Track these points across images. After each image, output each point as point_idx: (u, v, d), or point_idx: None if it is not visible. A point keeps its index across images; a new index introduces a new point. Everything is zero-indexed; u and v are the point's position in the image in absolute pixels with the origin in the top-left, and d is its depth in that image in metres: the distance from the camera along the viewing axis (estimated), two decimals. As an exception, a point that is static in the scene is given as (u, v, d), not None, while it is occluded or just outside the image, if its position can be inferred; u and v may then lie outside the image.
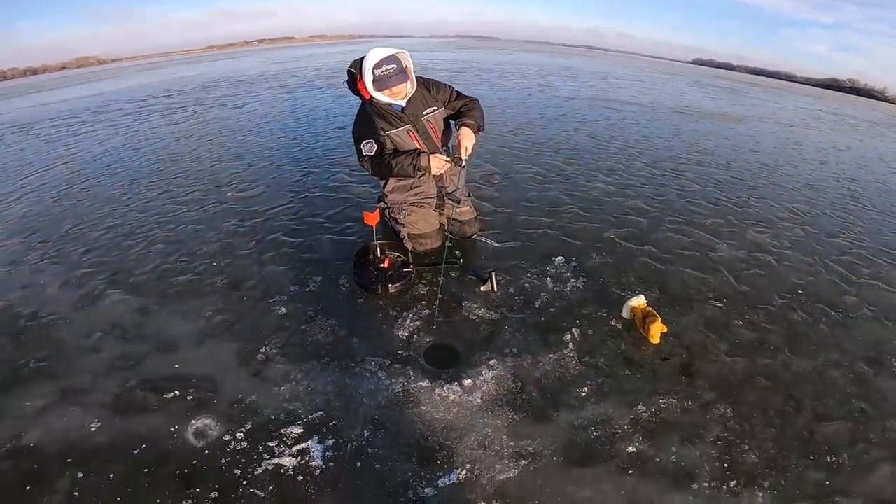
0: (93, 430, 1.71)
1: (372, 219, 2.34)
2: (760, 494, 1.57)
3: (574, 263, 2.71)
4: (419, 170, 2.38)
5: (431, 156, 2.37)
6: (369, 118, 2.44)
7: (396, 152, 2.43)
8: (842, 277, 2.91)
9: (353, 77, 2.43)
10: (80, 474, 1.55)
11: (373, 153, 2.38)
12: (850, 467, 1.68)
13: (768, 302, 2.56)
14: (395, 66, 2.30)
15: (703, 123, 7.63)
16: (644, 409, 1.83)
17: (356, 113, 2.53)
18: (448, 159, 2.42)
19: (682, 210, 3.65)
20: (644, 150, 5.30)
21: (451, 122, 2.61)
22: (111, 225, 3.31)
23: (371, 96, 2.39)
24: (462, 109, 2.54)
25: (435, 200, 2.65)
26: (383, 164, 2.40)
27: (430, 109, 2.50)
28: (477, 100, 2.60)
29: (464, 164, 2.44)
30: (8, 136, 7.00)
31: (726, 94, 13.46)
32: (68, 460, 1.60)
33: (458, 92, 2.61)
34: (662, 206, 3.67)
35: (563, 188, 3.88)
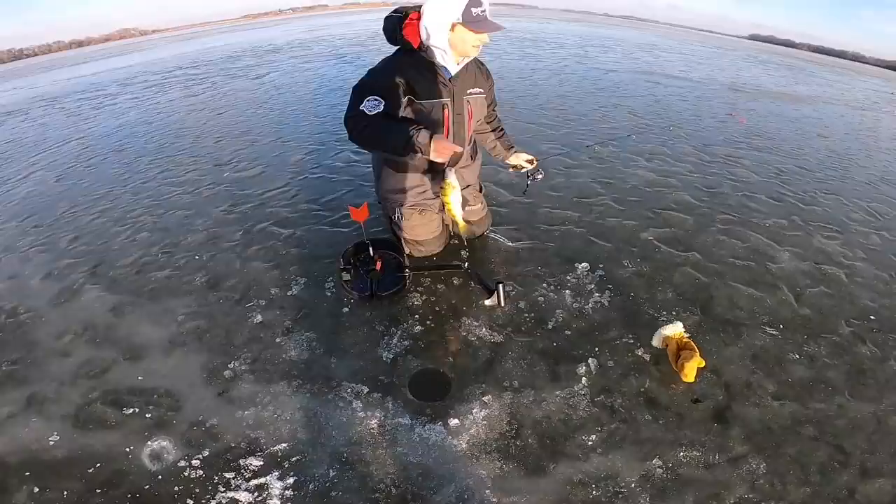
0: (51, 443, 1.63)
1: (359, 215, 1.99)
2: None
3: (601, 272, 2.30)
4: (412, 149, 1.81)
5: (435, 137, 1.81)
6: (401, 74, 1.89)
7: (395, 120, 1.91)
8: (919, 301, 2.38)
9: (401, 20, 1.91)
10: (37, 489, 1.49)
11: (371, 113, 1.85)
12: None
13: (833, 331, 2.12)
14: (488, 10, 1.83)
15: (763, 103, 6.78)
16: (659, 463, 1.55)
17: (383, 61, 1.98)
18: (458, 149, 1.91)
19: (738, 206, 3.11)
20: (694, 132, 4.68)
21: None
22: (103, 208, 3.16)
23: (422, 45, 1.88)
24: (495, 127, 2.35)
25: (440, 200, 2.23)
26: (371, 131, 1.87)
27: (476, 91, 2.07)
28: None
29: (539, 175, 2.34)
30: (35, 109, 7.10)
31: (788, 71, 12.14)
32: (27, 473, 1.53)
33: (494, 97, 2.28)
34: (713, 201, 3.15)
35: (596, 174, 3.41)
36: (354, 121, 1.90)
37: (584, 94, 5.84)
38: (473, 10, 1.79)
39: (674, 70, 8.60)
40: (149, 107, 6.11)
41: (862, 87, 12.10)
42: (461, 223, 2.06)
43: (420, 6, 1.88)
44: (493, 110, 2.31)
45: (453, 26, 1.83)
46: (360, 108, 1.86)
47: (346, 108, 1.95)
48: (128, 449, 1.58)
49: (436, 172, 2.13)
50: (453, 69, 1.96)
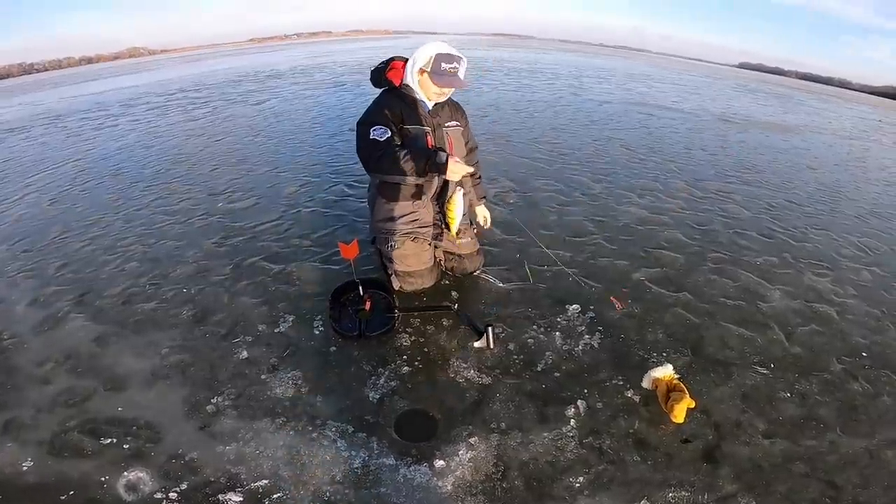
0: (24, 468, 1.61)
1: (349, 252, 2.01)
2: None
3: (591, 314, 2.29)
4: (432, 168, 2.00)
5: (451, 157, 2.00)
6: (389, 108, 2.12)
7: (406, 145, 2.11)
8: (911, 337, 2.37)
9: (384, 67, 2.18)
10: (5, 512, 1.45)
11: (383, 139, 2.05)
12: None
13: (824, 368, 2.12)
14: (459, 68, 2.09)
15: (753, 134, 6.93)
16: None
17: (373, 101, 2.20)
18: (470, 170, 2.12)
19: (729, 244, 3.13)
20: (685, 166, 4.75)
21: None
22: (94, 235, 3.15)
23: (402, 83, 2.13)
24: (474, 172, 2.44)
25: (431, 230, 2.29)
26: (389, 154, 2.02)
27: (453, 123, 2.29)
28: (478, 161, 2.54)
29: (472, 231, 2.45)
30: (37, 127, 7.16)
31: (776, 100, 12.45)
32: (-3, 497, 1.50)
33: (472, 134, 2.46)
34: (705, 239, 3.17)
35: (589, 212, 3.44)
36: (369, 150, 2.07)
37: (578, 127, 5.95)
38: (444, 65, 2.05)
39: (666, 101, 8.80)
40: (149, 129, 6.18)
41: (849, 114, 12.40)
42: (453, 231, 2.20)
43: (401, 57, 2.19)
44: (473, 153, 2.47)
45: (422, 72, 2.08)
46: (371, 137, 2.06)
47: (354, 142, 2.15)
48: (103, 478, 1.55)
49: (427, 202, 2.27)
50: (430, 104, 2.19)
